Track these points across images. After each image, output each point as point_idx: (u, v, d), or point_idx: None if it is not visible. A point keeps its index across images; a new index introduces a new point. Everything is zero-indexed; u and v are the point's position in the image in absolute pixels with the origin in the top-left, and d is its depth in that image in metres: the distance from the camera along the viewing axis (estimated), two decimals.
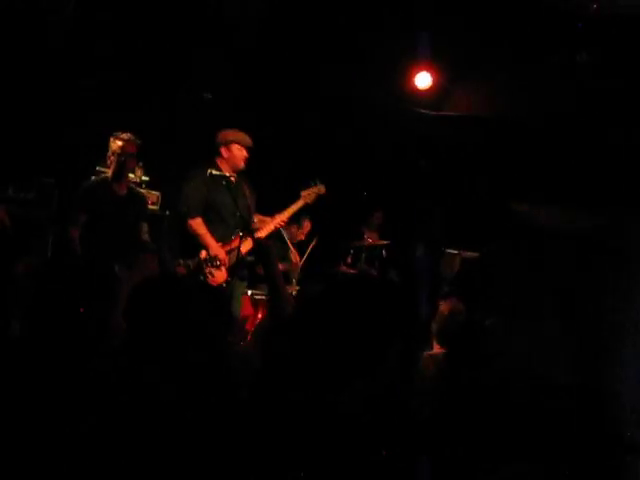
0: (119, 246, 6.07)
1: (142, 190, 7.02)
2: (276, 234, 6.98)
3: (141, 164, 7.36)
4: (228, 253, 6.37)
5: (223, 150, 6.56)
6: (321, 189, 6.93)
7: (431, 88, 9.41)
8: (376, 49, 8.62)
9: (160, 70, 6.96)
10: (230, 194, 6.35)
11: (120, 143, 6.12)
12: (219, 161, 6.55)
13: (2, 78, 6.47)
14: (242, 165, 6.54)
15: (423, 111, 9.37)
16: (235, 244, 6.29)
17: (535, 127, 9.22)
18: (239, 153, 6.53)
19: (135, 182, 7.10)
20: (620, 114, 8.70)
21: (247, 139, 6.59)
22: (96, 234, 6.04)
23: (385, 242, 8.89)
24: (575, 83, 8.82)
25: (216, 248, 6.36)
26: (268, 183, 7.33)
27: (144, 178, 7.49)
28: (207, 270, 6.20)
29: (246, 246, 6.44)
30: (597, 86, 8.71)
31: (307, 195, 6.85)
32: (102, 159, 6.36)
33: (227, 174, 6.41)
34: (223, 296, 6.21)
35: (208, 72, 6.65)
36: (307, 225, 8.75)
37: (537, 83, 9.02)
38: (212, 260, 6.19)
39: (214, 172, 6.36)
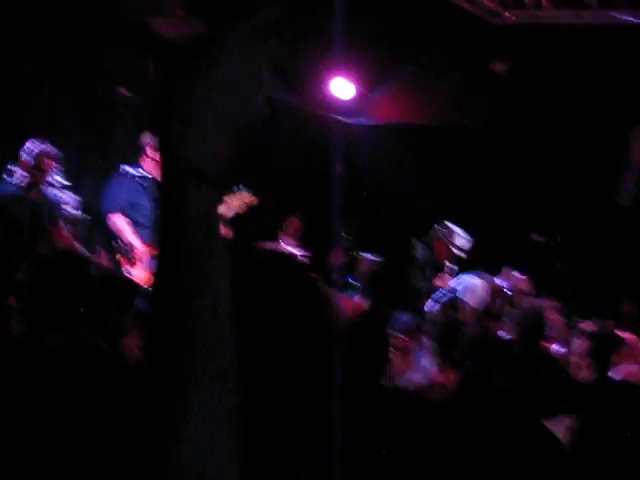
0: None
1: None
2: None
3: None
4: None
5: (149, 150, 6.45)
6: (246, 197, 6.79)
7: (350, 96, 9.47)
8: (297, 55, 8.61)
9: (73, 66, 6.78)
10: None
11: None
12: (144, 162, 6.45)
13: None
14: None
15: (342, 119, 9.40)
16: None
17: (453, 135, 9.37)
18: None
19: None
20: (534, 123, 8.92)
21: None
22: None
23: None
24: (490, 91, 9.01)
25: (134, 242, 6.22)
26: None
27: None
28: (121, 260, 6.07)
29: None
30: (511, 93, 8.91)
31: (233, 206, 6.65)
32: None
33: (151, 175, 6.28)
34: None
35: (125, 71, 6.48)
36: None
37: (454, 90, 9.17)
38: (125, 251, 6.07)
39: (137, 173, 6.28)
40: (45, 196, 6.22)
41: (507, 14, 8.27)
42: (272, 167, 9.08)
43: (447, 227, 7.87)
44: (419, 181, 9.53)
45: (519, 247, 8.52)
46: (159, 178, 1.16)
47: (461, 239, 7.79)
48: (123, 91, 6.26)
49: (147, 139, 6.44)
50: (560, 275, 7.86)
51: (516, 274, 6.89)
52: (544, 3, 8.15)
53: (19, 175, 6.23)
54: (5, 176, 6.36)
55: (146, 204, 6.30)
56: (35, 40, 5.66)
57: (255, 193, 7.06)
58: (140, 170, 6.35)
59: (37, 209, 6.07)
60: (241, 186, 6.74)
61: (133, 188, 6.37)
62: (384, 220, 9.52)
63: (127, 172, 6.34)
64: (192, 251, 1.17)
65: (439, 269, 7.71)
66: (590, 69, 8.20)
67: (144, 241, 6.24)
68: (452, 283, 6.37)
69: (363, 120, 9.76)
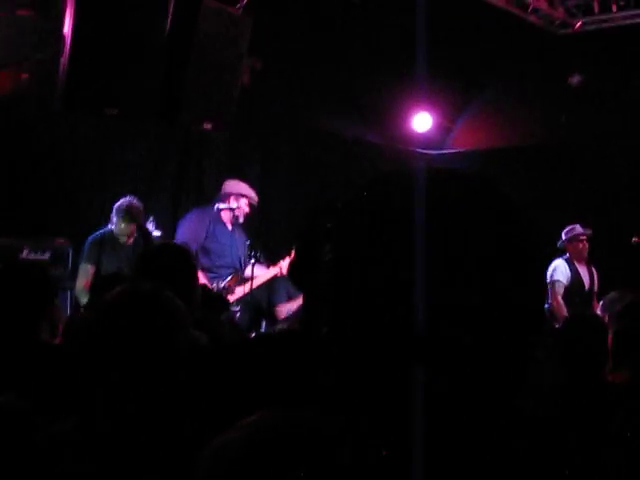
0: None
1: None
2: None
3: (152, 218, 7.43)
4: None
5: (232, 200, 6.75)
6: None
7: (431, 129, 9.56)
8: (376, 93, 8.78)
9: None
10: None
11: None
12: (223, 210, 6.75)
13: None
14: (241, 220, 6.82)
15: (425, 151, 9.51)
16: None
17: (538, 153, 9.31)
18: (244, 208, 6.79)
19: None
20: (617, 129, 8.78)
21: (254, 196, 6.82)
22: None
23: None
24: (570, 105, 8.93)
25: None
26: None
27: (156, 233, 7.54)
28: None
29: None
30: (591, 104, 8.81)
31: (285, 266, 6.50)
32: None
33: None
34: None
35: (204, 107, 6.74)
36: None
37: (534, 109, 9.14)
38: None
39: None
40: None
41: (576, 22, 8.25)
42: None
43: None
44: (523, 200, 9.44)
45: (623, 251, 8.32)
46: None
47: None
48: (208, 126, 6.42)
49: (229, 188, 6.80)
50: None
51: None
52: (613, 7, 8.08)
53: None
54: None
55: (222, 234, 6.68)
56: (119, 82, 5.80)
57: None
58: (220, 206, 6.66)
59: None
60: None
61: (213, 218, 6.68)
62: None
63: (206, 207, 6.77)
64: None
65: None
66: None
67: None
68: None
69: (445, 150, 9.82)
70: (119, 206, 6.31)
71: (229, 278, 6.62)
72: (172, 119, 6.00)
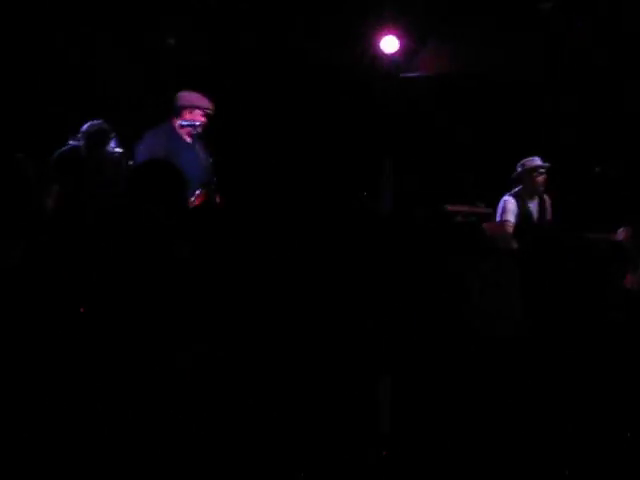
0: None
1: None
2: None
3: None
4: None
5: (186, 113, 6.55)
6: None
7: (398, 51, 9.45)
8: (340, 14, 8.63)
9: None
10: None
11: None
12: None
13: None
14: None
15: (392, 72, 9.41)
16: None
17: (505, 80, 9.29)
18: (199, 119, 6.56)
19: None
20: (588, 61, 8.79)
21: (208, 105, 6.58)
22: None
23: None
24: (541, 33, 8.88)
25: None
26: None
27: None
28: None
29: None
30: (563, 34, 8.78)
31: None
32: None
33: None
34: None
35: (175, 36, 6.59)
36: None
37: (503, 36, 9.07)
38: None
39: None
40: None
41: None
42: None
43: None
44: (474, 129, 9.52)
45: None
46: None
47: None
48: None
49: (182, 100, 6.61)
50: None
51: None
52: None
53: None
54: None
55: (182, 149, 6.46)
56: None
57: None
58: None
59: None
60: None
61: (168, 135, 6.53)
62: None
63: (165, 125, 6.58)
64: None
65: None
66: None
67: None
68: None
69: (412, 73, 9.74)
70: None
71: (198, 192, 6.36)
72: None
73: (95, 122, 6.26)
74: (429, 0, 9.02)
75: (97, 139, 6.18)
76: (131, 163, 6.50)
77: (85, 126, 6.26)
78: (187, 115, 6.55)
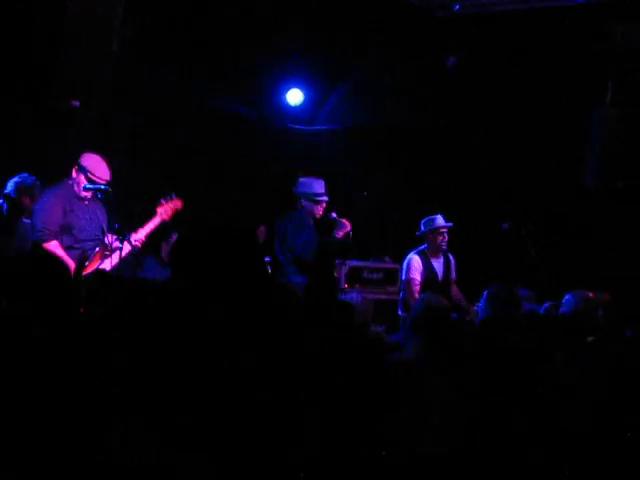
0: None
1: None
2: None
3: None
4: None
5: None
6: (177, 203, 6.54)
7: (304, 103, 9.36)
8: (246, 65, 8.44)
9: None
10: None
11: None
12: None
13: None
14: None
15: (297, 126, 9.29)
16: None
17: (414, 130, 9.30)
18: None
19: None
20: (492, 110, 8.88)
21: (106, 174, 6.26)
22: None
23: None
24: (446, 84, 8.94)
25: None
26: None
27: None
28: None
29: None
30: (468, 85, 8.85)
31: (163, 211, 6.48)
32: None
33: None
34: None
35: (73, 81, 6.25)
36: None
37: (408, 87, 9.08)
38: None
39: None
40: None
41: (458, 6, 8.21)
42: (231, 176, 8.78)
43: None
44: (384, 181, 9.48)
45: (491, 236, 8.44)
46: None
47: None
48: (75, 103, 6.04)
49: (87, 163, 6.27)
50: (532, 262, 7.72)
51: None
52: None
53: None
54: None
55: (79, 208, 6.27)
56: None
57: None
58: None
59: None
60: (172, 194, 6.55)
61: (66, 193, 6.28)
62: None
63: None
64: None
65: None
66: (544, 53, 8.18)
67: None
68: None
69: (318, 126, 9.63)
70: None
71: (96, 250, 6.22)
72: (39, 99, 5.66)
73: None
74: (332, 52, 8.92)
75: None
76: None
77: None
78: (90, 176, 6.23)
